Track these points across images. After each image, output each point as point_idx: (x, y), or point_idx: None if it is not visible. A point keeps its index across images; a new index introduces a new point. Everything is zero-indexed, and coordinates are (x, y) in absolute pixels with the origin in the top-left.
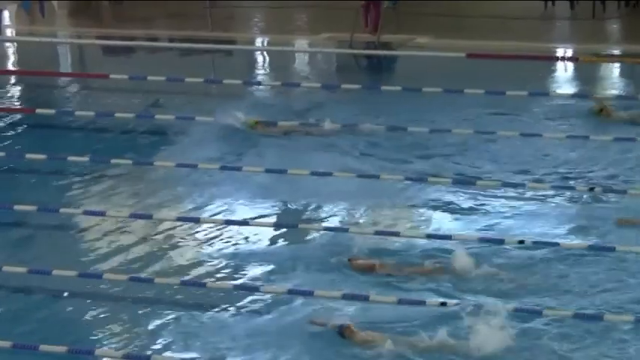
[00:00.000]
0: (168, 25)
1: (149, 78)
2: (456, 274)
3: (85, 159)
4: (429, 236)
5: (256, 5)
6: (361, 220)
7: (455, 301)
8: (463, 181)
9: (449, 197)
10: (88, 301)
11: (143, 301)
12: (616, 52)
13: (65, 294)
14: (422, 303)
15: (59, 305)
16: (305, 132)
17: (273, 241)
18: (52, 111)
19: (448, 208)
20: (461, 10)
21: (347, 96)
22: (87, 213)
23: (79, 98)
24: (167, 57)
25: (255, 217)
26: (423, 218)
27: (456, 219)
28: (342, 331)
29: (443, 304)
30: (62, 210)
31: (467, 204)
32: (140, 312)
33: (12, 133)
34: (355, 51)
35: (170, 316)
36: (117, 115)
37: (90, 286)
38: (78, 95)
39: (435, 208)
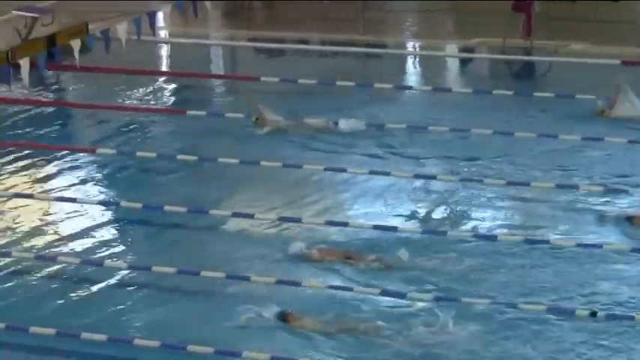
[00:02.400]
0: (320, 28)
1: (300, 81)
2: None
3: (235, 161)
4: None
5: (408, 9)
6: None
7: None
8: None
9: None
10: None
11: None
12: None
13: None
14: (350, 289)
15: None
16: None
17: None
18: (202, 112)
19: None
20: (615, 15)
21: (498, 101)
22: (236, 215)
23: (230, 100)
24: (318, 60)
25: None
26: None
27: None
28: (284, 317)
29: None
30: (212, 212)
31: None
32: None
33: (163, 134)
34: (508, 57)
35: None
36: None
37: (238, 287)
38: (228, 97)
39: None
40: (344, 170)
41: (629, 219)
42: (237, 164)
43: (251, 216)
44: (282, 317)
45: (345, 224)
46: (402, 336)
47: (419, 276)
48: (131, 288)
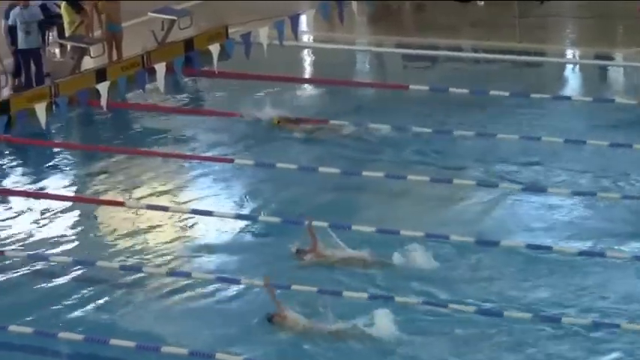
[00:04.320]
0: (473, 34)
1: (450, 90)
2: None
3: (379, 174)
4: None
5: (570, 15)
6: None
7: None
8: None
9: None
10: None
11: None
12: None
13: None
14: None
15: None
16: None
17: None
18: (345, 122)
19: None
20: None
21: None
22: (380, 231)
23: (375, 109)
24: (470, 68)
25: None
26: None
27: None
28: (271, 318)
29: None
30: (354, 227)
31: None
32: None
33: (303, 145)
34: None
35: None
36: (414, 129)
37: None
38: (374, 106)
39: None
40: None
41: None
42: (382, 177)
43: (397, 232)
44: (269, 318)
45: None
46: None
47: None
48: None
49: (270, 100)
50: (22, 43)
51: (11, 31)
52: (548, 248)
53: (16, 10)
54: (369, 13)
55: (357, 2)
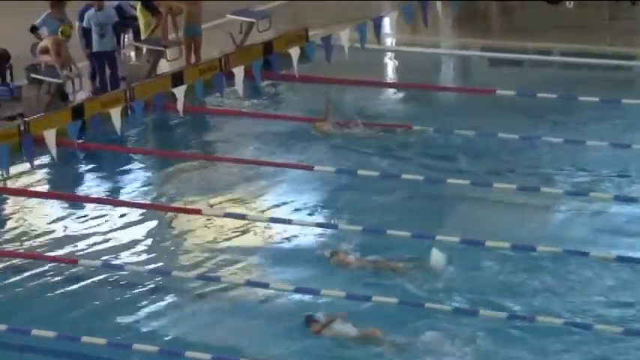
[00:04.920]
0: (562, 38)
1: (538, 95)
2: (430, 271)
3: (464, 182)
4: None
5: None
6: None
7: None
8: None
9: None
10: None
11: None
12: None
13: None
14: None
15: None
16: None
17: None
18: (429, 128)
19: None
20: None
21: None
22: (464, 242)
23: (460, 115)
24: (559, 72)
25: None
26: None
27: None
28: (309, 323)
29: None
30: (438, 238)
31: None
32: None
33: (386, 151)
34: None
35: None
36: (500, 134)
37: None
38: (459, 111)
39: None
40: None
41: None
42: (468, 184)
43: (482, 243)
44: (307, 322)
45: None
46: None
47: None
48: None
49: (351, 105)
50: (96, 46)
51: (85, 33)
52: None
53: (90, 12)
54: (453, 15)
55: (442, 3)
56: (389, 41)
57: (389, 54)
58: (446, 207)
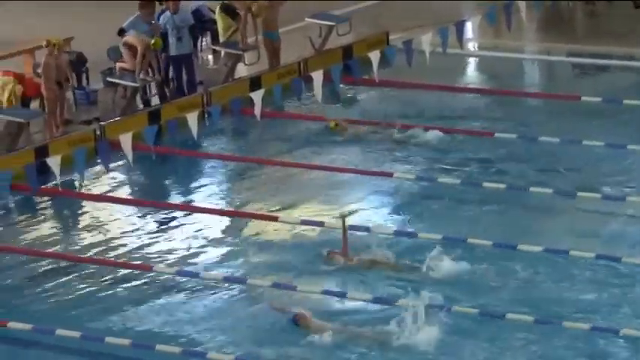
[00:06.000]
0: None
1: (625, 102)
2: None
3: (548, 191)
4: None
5: None
6: None
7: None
8: None
9: None
10: None
11: None
12: None
13: None
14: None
15: None
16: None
17: None
18: (513, 135)
19: None
20: None
21: None
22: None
23: (544, 121)
24: None
25: None
26: None
27: None
28: (297, 320)
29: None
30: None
31: None
32: None
33: (467, 158)
34: None
35: None
36: (585, 142)
37: None
38: (543, 117)
39: None
40: None
41: None
42: (551, 193)
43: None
44: (295, 322)
45: None
46: None
47: None
48: None
49: (432, 110)
50: (173, 49)
51: (162, 37)
52: None
53: (166, 15)
54: (538, 19)
55: (526, 4)
56: (471, 46)
57: (471, 59)
58: (527, 216)
